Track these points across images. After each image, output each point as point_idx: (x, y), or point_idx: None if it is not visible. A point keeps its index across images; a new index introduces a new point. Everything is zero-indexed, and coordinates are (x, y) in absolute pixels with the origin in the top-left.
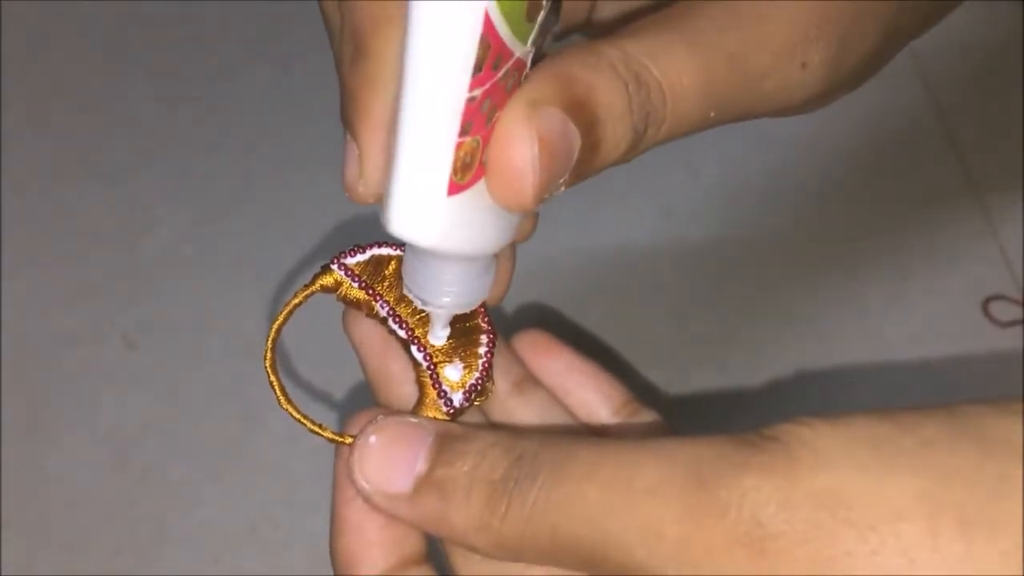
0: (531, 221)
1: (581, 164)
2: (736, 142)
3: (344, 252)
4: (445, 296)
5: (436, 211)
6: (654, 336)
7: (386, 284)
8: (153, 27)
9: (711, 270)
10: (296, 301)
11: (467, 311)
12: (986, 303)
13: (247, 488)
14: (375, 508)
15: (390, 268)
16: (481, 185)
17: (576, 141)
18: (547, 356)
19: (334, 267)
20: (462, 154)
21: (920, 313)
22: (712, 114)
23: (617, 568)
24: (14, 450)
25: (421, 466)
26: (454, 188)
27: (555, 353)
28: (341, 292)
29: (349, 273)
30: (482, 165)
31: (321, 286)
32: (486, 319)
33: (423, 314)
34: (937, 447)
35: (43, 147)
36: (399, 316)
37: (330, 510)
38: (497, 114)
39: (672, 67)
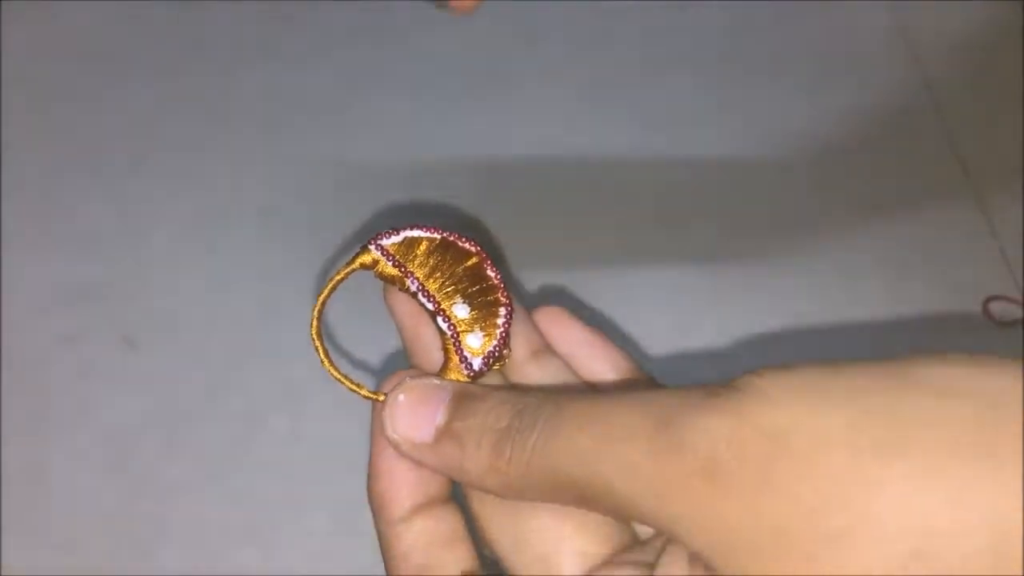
0: None
1: None
2: (735, 142)
3: (380, 234)
4: None
5: None
6: (654, 329)
7: (417, 262)
8: (153, 27)
9: (709, 270)
10: (339, 277)
11: None
12: (986, 303)
13: (247, 488)
14: (403, 456)
15: (421, 248)
16: None
17: None
18: (562, 328)
19: (371, 247)
20: None
21: (920, 313)
22: None
23: (604, 501)
24: (14, 450)
25: (440, 419)
26: None
27: (571, 325)
28: (378, 269)
29: (384, 252)
30: None
31: (360, 264)
32: (505, 294)
33: (448, 288)
34: (867, 387)
35: (43, 147)
36: (427, 291)
37: (367, 460)
38: None
39: None
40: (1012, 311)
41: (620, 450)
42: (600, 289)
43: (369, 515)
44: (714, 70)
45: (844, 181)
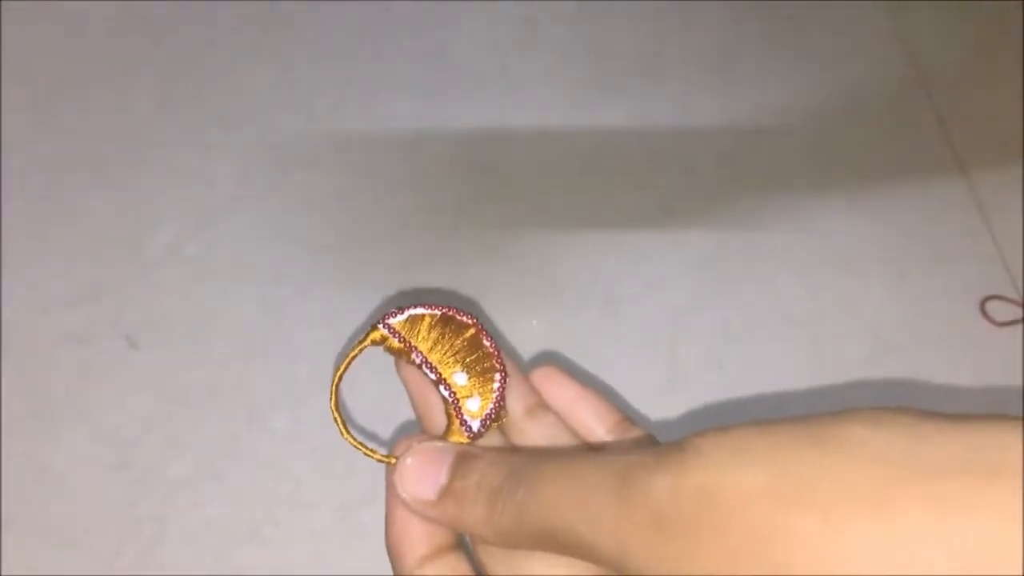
0: None
1: None
2: (734, 144)
3: (388, 313)
4: None
5: None
6: (652, 326)
7: (420, 337)
8: (153, 27)
9: (709, 269)
10: (353, 354)
11: None
12: (984, 303)
13: (248, 487)
14: (412, 511)
15: (424, 323)
16: None
17: None
18: (556, 385)
19: (380, 326)
20: None
21: (918, 313)
22: None
23: (576, 547)
24: (15, 449)
25: (443, 479)
26: None
27: (562, 383)
28: (386, 345)
29: (391, 330)
30: None
31: (371, 341)
32: (500, 361)
33: (449, 360)
34: (784, 448)
35: (43, 147)
36: (429, 363)
37: (384, 511)
38: None
39: None
40: (1010, 311)
41: (587, 504)
42: (598, 286)
43: (369, 514)
44: (713, 70)
45: (842, 181)
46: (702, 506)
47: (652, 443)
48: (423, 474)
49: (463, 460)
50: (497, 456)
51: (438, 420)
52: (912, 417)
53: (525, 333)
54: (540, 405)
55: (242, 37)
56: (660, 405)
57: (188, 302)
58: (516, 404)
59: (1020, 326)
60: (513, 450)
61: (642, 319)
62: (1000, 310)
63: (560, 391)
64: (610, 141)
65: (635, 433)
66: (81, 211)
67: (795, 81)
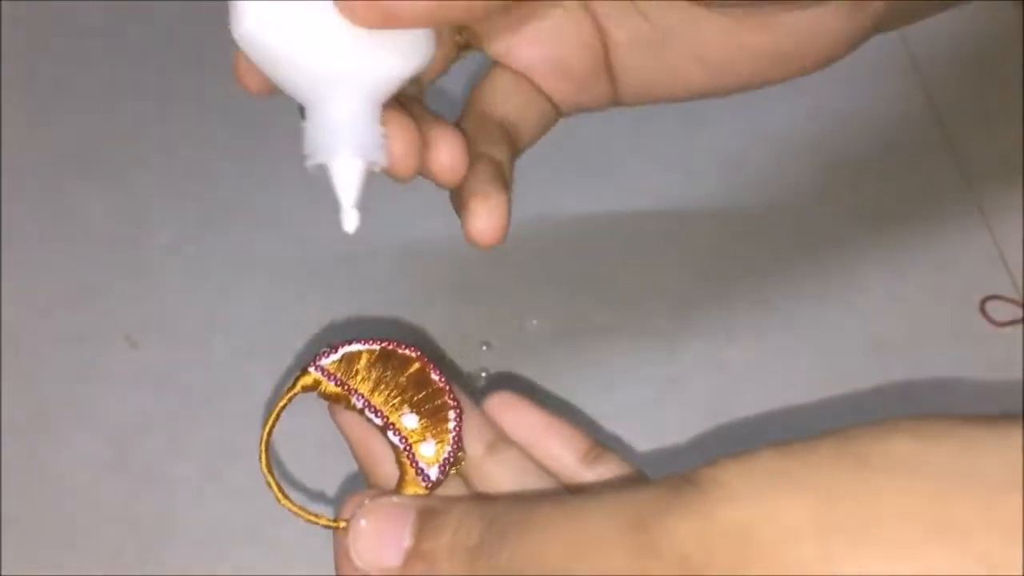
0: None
1: None
2: (735, 145)
3: (319, 354)
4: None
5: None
6: (649, 336)
7: (359, 377)
8: (153, 27)
9: (708, 270)
10: (282, 404)
11: (366, 167)
12: (983, 303)
13: (249, 487)
14: None
15: (361, 361)
16: None
17: None
18: (515, 414)
19: (311, 369)
20: None
21: (917, 313)
22: None
23: None
24: (15, 449)
25: (407, 541)
26: None
27: (522, 411)
28: (320, 389)
29: (325, 373)
30: None
31: (302, 387)
32: (452, 396)
33: (395, 400)
34: (824, 471)
35: (43, 147)
36: (373, 406)
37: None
38: None
39: None
40: (1010, 311)
41: (594, 557)
42: (597, 286)
43: None
44: None
45: (843, 183)
46: (738, 547)
47: (639, 477)
48: (382, 537)
49: (429, 516)
50: (470, 507)
51: (387, 472)
52: (955, 425)
53: (524, 332)
54: (501, 440)
55: None
56: (660, 405)
57: (188, 302)
58: (474, 443)
59: (1020, 326)
60: (484, 498)
61: (642, 319)
62: (1000, 310)
63: (521, 420)
64: (610, 144)
65: (610, 461)
66: (81, 211)
67: (795, 84)
